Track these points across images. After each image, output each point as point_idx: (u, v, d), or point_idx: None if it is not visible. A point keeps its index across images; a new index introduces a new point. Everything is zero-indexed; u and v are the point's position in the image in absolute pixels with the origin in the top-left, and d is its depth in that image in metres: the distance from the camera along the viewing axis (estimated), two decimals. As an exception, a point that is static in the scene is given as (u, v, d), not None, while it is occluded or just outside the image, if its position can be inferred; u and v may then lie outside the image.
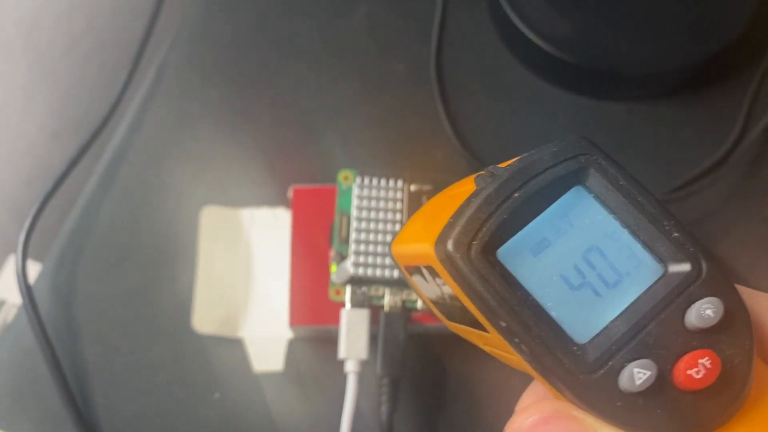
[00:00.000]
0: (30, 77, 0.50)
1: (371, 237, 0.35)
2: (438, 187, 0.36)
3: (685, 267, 0.19)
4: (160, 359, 0.39)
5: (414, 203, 0.36)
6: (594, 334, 0.19)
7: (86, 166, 0.44)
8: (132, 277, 0.41)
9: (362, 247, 0.35)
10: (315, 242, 0.37)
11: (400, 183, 0.36)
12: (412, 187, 0.36)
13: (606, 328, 0.19)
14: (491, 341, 0.21)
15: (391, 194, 0.36)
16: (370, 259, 0.35)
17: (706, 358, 0.18)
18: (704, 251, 0.19)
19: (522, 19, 0.43)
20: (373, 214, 0.36)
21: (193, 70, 0.46)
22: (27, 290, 0.39)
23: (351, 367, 0.34)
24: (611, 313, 0.19)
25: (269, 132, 0.44)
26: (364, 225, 0.35)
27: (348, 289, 0.35)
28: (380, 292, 0.35)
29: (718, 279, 0.19)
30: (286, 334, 0.39)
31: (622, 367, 0.18)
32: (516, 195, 0.20)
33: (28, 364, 0.39)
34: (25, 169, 0.48)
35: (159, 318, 0.40)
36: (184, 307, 0.40)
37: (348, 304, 0.35)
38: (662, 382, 0.18)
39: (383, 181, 0.36)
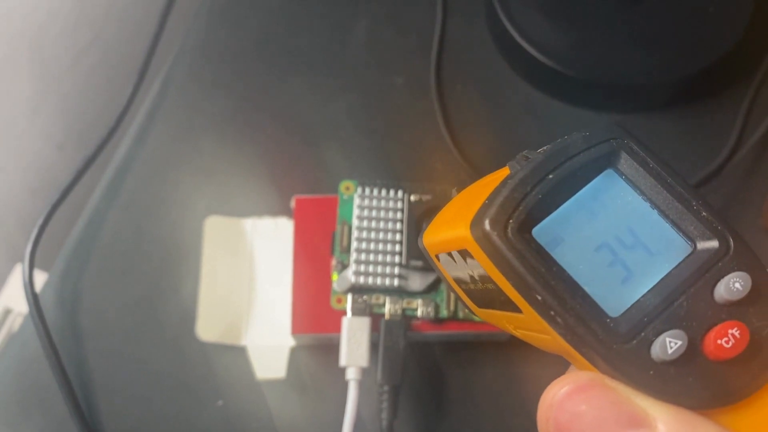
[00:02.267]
0: (36, 90, 0.51)
1: (372, 246, 0.36)
2: (437, 197, 0.37)
3: (714, 244, 0.20)
4: (164, 367, 0.40)
5: (414, 213, 0.37)
6: (626, 308, 0.19)
7: (92, 177, 0.44)
8: (137, 287, 0.42)
9: (363, 256, 0.36)
10: (317, 251, 0.38)
11: (400, 193, 0.37)
12: (412, 197, 0.37)
13: (637, 302, 0.19)
14: (524, 322, 0.22)
15: (391, 204, 0.37)
16: (371, 268, 0.35)
17: (735, 329, 0.18)
18: (732, 230, 0.20)
19: (520, 32, 0.44)
20: (373, 224, 0.36)
21: (197, 83, 0.47)
22: (34, 299, 0.40)
23: (352, 375, 0.35)
24: (642, 289, 0.20)
25: (272, 143, 0.45)
26: (365, 234, 0.36)
27: (349, 297, 0.36)
28: (381, 301, 0.36)
29: (745, 255, 0.19)
30: (289, 342, 0.39)
31: (655, 337, 0.19)
32: (550, 177, 0.20)
33: (34, 371, 0.40)
34: (31, 179, 0.49)
35: (163, 326, 0.41)
36: (187, 315, 0.40)
37: (349, 313, 0.35)
38: (693, 352, 0.19)
39: (384, 192, 0.37)
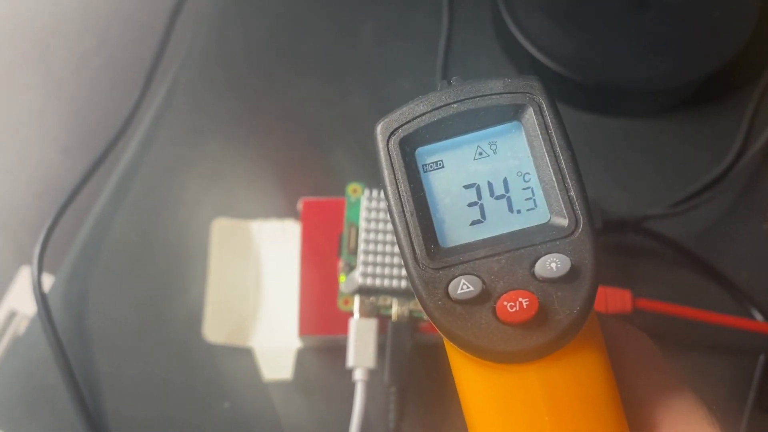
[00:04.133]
0: (42, 93, 0.51)
1: (379, 248, 0.36)
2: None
3: (563, 222, 0.20)
4: (171, 368, 0.40)
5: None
6: (456, 244, 0.21)
7: (99, 180, 0.45)
8: (144, 288, 0.42)
9: (370, 258, 0.36)
10: (324, 253, 0.38)
11: (407, 195, 0.37)
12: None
13: (469, 244, 0.21)
14: None
15: (398, 206, 0.37)
16: (378, 270, 0.35)
17: (526, 300, 0.20)
18: (588, 219, 0.20)
19: (526, 37, 0.44)
20: (381, 226, 0.36)
21: (204, 86, 0.47)
22: (43, 301, 0.40)
23: (359, 376, 0.35)
24: (481, 235, 0.21)
25: (279, 146, 0.45)
26: (372, 236, 0.36)
27: (356, 299, 0.36)
28: (388, 302, 0.36)
29: (583, 244, 0.20)
30: (296, 343, 0.39)
31: (457, 275, 0.20)
32: (454, 106, 0.21)
33: (41, 373, 0.40)
34: (36, 183, 0.49)
35: (170, 328, 0.41)
36: (195, 317, 0.40)
37: (356, 314, 0.35)
38: (483, 303, 0.20)
39: (391, 194, 0.37)
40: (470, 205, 0.21)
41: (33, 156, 0.49)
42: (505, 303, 0.20)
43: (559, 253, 0.20)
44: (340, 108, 0.46)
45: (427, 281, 0.20)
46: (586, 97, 0.45)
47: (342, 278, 0.36)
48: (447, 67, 0.47)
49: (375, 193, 0.37)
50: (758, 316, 0.39)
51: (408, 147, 0.22)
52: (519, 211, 0.21)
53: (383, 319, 0.36)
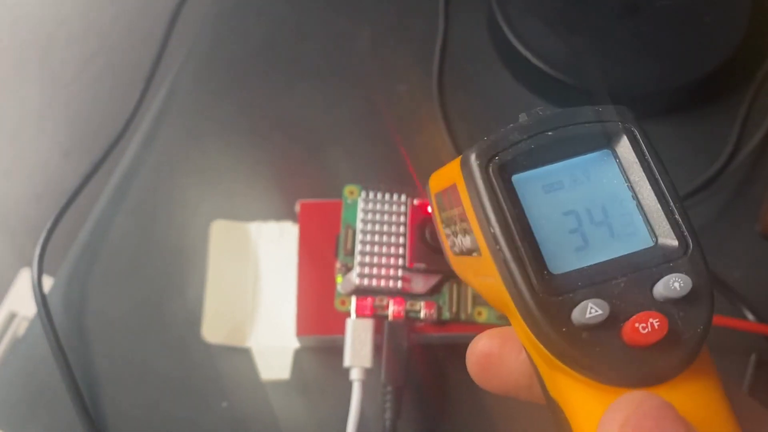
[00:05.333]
0: (43, 97, 0.52)
1: (375, 249, 0.36)
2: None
3: (673, 243, 0.20)
4: (170, 368, 0.40)
5: (417, 217, 0.37)
6: (567, 270, 0.20)
7: (99, 182, 0.45)
8: (143, 289, 0.42)
9: (367, 259, 0.36)
10: (321, 254, 0.38)
11: (403, 197, 0.37)
12: (415, 202, 0.37)
13: (580, 269, 0.20)
14: (481, 266, 0.22)
15: (394, 208, 0.37)
16: (374, 270, 0.36)
17: (657, 320, 0.19)
18: (695, 239, 0.20)
19: (521, 41, 0.45)
20: (377, 227, 0.37)
21: (203, 89, 0.48)
22: (43, 302, 0.40)
23: (356, 376, 0.35)
24: (590, 261, 0.20)
25: (277, 149, 0.45)
26: (368, 237, 0.36)
27: (353, 299, 0.36)
28: (384, 303, 0.36)
29: (697, 263, 0.20)
30: (293, 343, 0.40)
31: (581, 300, 0.19)
32: (549, 133, 0.21)
33: (41, 373, 0.40)
34: (37, 185, 0.49)
35: (169, 328, 0.41)
36: (193, 317, 0.41)
37: (353, 314, 0.36)
38: (611, 328, 0.19)
39: (387, 196, 0.37)
40: (571, 231, 0.21)
41: (33, 159, 0.50)
42: (637, 324, 0.19)
43: (680, 273, 0.20)
44: (337, 111, 0.46)
45: (547, 309, 0.20)
46: (579, 101, 0.45)
47: (339, 279, 0.37)
48: (443, 71, 0.47)
49: (371, 194, 0.37)
50: (750, 316, 0.40)
51: (505, 174, 0.21)
52: (620, 236, 0.21)
53: (379, 319, 0.36)
